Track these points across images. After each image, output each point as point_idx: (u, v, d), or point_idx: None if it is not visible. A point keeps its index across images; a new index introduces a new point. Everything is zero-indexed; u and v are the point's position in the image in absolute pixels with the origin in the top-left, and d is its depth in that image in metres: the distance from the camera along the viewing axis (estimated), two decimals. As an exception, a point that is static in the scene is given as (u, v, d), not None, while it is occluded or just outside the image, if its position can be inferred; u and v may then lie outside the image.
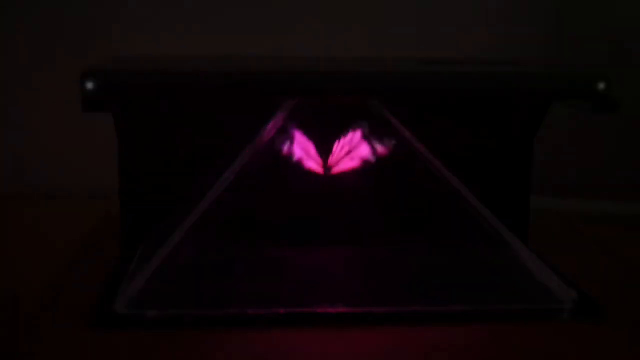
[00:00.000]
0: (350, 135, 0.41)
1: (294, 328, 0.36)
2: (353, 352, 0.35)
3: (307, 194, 0.41)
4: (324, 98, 0.41)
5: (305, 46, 0.62)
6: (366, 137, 0.41)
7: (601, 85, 0.39)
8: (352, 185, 0.42)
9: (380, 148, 0.41)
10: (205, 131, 0.44)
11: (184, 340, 0.35)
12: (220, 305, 0.37)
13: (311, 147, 0.41)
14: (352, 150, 0.41)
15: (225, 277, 0.40)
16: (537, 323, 0.37)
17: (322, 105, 0.41)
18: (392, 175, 0.42)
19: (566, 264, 0.42)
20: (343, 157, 0.41)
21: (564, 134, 0.63)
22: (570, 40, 0.65)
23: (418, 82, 0.40)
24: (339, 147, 0.41)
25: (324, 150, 0.41)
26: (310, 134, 0.41)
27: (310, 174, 0.41)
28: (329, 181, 0.41)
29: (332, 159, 0.41)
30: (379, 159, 0.41)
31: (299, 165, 0.41)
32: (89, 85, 0.37)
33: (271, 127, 0.40)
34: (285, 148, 0.41)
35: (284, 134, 0.41)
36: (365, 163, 0.41)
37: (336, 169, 0.41)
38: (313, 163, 0.41)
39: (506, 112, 0.46)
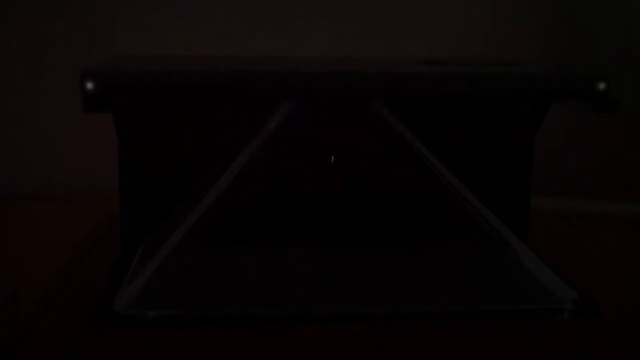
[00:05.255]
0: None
1: (294, 328, 0.36)
2: (353, 352, 0.35)
3: (307, 194, 0.41)
4: (324, 98, 0.41)
5: (306, 46, 0.62)
6: (366, 137, 0.41)
7: (601, 85, 0.39)
8: (352, 185, 0.42)
9: (380, 148, 0.41)
10: (205, 131, 0.44)
11: (184, 340, 0.35)
12: (220, 305, 0.37)
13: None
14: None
15: (225, 277, 0.40)
16: (537, 323, 0.37)
17: (322, 106, 0.41)
18: (392, 176, 0.42)
19: (566, 264, 0.42)
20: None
21: (564, 134, 0.63)
22: (570, 40, 0.65)
23: (418, 82, 0.40)
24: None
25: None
26: (310, 135, 0.41)
27: (310, 173, 0.41)
28: (329, 181, 0.41)
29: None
30: (379, 159, 0.41)
31: (298, 165, 0.41)
32: (89, 85, 0.37)
33: (271, 128, 0.40)
34: (285, 148, 0.41)
35: (284, 135, 0.41)
36: (366, 163, 0.41)
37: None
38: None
39: (506, 112, 0.46)
